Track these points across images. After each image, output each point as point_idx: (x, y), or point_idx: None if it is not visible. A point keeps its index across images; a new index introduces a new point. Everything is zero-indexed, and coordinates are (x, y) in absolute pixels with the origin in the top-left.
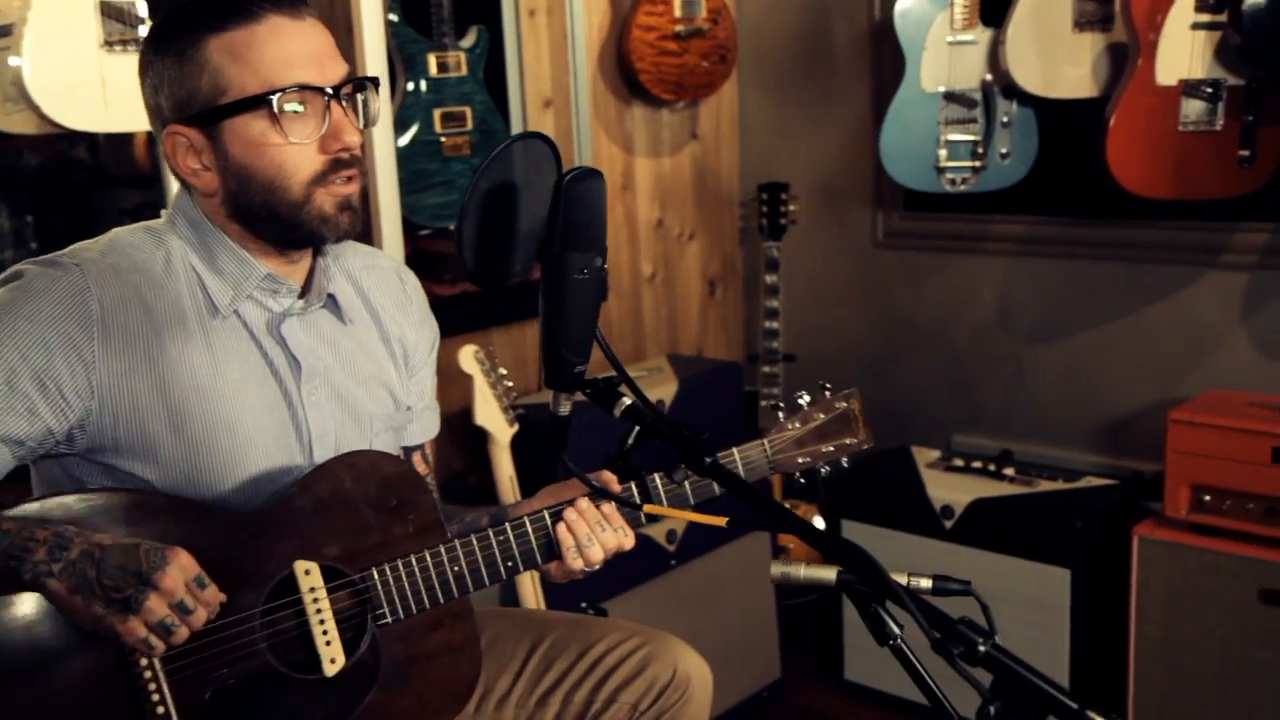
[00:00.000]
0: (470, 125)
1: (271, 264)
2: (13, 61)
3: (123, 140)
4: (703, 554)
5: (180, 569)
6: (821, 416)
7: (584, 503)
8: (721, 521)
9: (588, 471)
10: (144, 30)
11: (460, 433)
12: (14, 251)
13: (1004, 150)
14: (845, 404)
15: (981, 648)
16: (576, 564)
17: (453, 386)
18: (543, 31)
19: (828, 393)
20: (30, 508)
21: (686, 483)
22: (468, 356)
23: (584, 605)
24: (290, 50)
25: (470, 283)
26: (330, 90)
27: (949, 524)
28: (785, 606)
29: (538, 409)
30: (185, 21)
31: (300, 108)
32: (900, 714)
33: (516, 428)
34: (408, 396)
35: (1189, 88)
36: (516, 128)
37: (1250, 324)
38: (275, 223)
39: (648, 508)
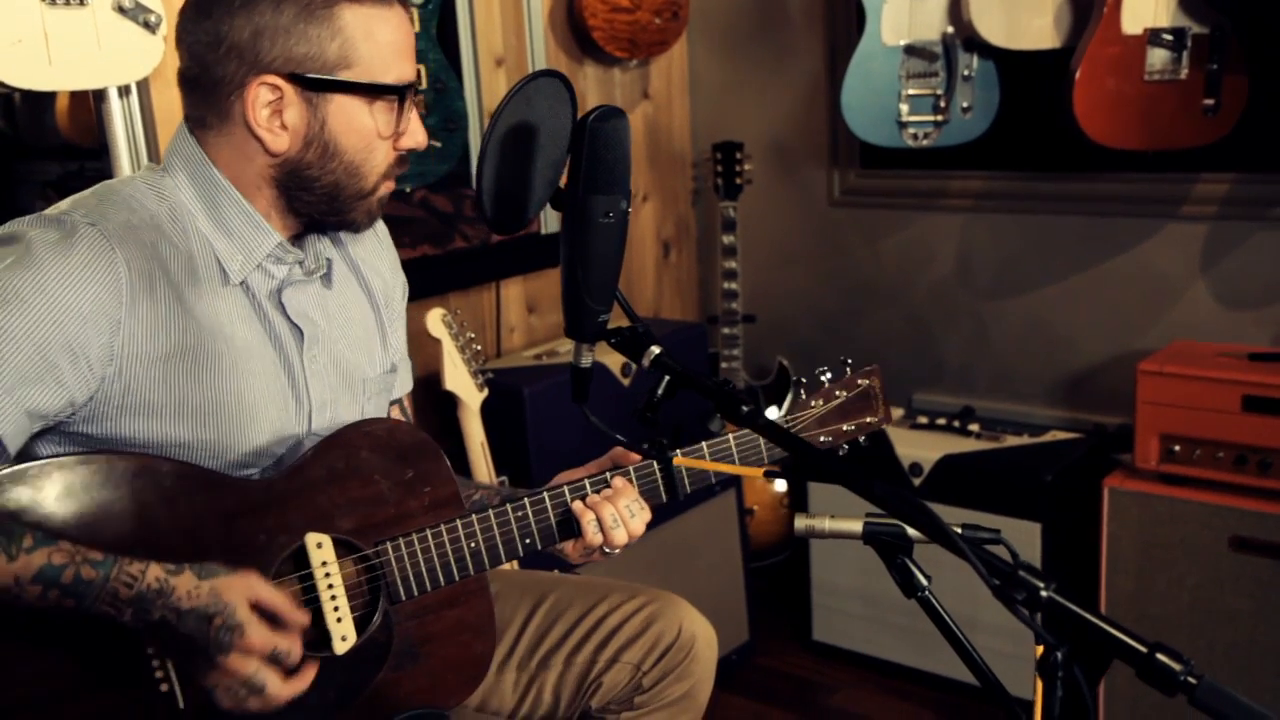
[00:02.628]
0: (424, 84)
1: (284, 232)
2: None
3: (40, 109)
4: (671, 518)
5: (245, 652)
6: (843, 394)
7: (620, 482)
8: (758, 473)
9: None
10: None
11: (427, 398)
12: None
13: (966, 104)
14: (867, 381)
15: (1044, 593)
16: (596, 539)
17: (420, 351)
18: None
19: (849, 369)
20: (40, 483)
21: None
22: (435, 320)
23: (555, 570)
24: (409, 43)
25: (490, 229)
26: (418, 90)
27: (918, 481)
28: (752, 569)
29: (504, 374)
30: None
31: (398, 103)
32: (869, 673)
33: (486, 392)
34: (391, 354)
35: (1154, 36)
36: (469, 87)
37: (1210, 275)
38: (329, 202)
39: (681, 459)
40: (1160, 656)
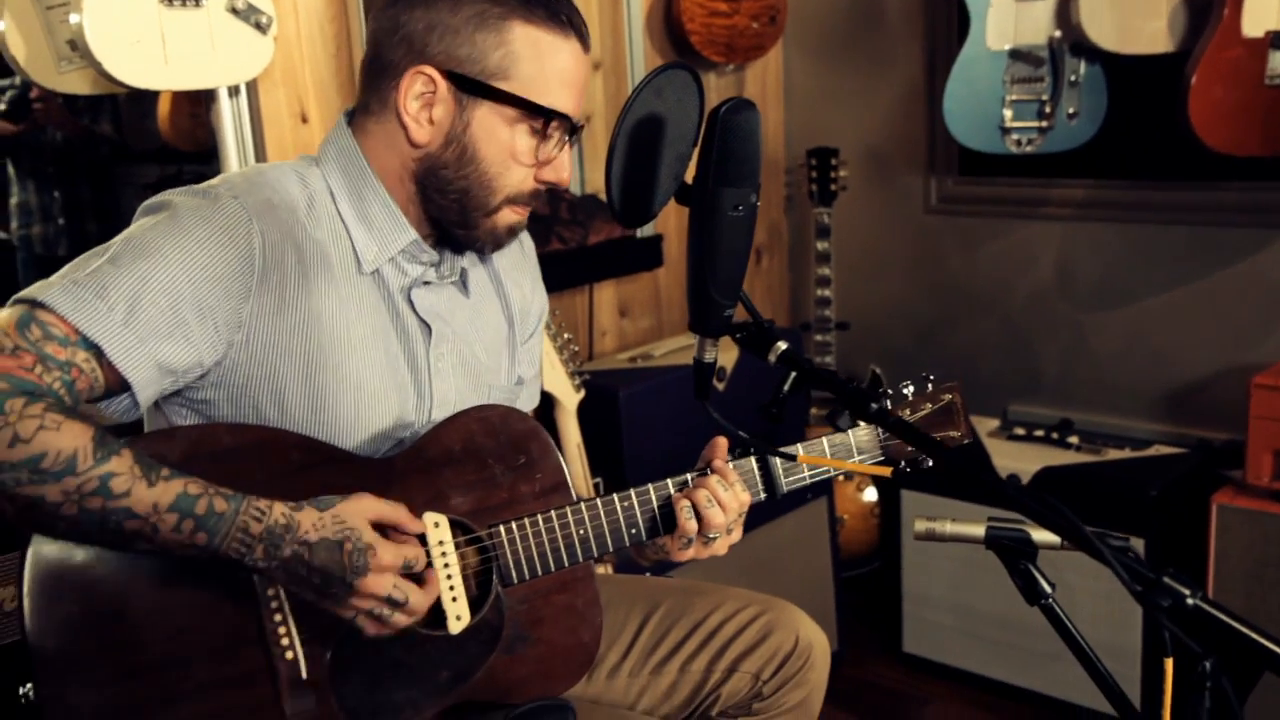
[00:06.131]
0: None
1: (420, 231)
2: (73, 19)
3: (142, 114)
4: (762, 524)
5: (380, 570)
6: (928, 407)
7: (719, 463)
8: (886, 471)
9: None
10: None
11: None
12: (41, 226)
13: (1072, 110)
14: (949, 396)
15: (1190, 601)
16: (691, 525)
17: None
18: None
19: (930, 384)
20: (178, 446)
21: (851, 433)
22: None
23: (647, 573)
24: (575, 78)
25: (618, 222)
26: (577, 126)
27: None
28: (843, 578)
29: (599, 375)
30: None
31: (554, 133)
32: (961, 686)
33: (583, 394)
34: (520, 367)
35: (1276, 39)
36: None
37: None
38: (455, 209)
39: (803, 458)
40: None
